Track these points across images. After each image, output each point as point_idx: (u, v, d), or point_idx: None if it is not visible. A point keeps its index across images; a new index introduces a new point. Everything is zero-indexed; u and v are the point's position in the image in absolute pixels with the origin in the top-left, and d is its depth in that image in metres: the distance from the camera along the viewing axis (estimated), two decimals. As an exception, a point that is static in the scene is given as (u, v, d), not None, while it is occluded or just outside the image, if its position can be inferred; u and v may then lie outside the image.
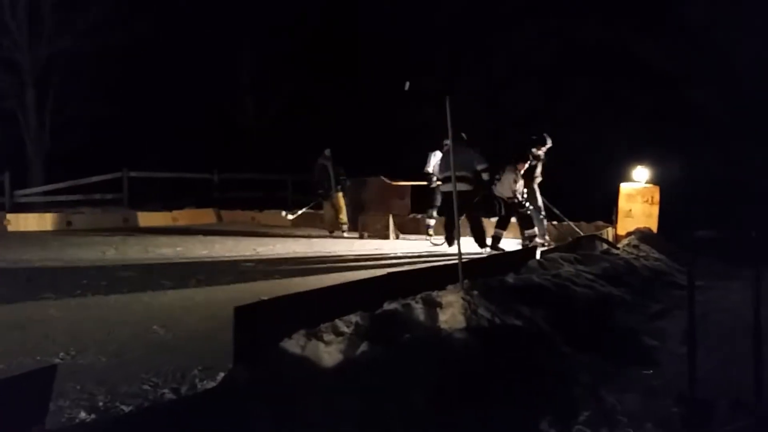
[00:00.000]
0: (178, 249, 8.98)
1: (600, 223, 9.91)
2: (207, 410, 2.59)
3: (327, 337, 3.16)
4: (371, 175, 13.11)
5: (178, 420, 2.51)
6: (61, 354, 3.59)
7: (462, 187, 7.85)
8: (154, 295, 5.56)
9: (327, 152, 11.39)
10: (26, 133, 17.76)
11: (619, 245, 7.42)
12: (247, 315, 3.01)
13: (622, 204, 8.85)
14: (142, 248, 9.05)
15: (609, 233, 8.55)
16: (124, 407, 2.76)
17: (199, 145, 19.05)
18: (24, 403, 2.40)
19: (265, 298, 3.29)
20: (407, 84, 4.22)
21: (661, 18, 14.56)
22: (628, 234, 8.23)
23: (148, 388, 3.01)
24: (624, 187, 8.92)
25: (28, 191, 14.93)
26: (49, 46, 17.27)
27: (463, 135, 8.57)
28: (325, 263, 7.73)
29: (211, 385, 2.93)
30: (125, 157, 16.04)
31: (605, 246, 7.11)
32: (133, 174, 15.49)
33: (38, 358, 3.51)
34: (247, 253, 8.52)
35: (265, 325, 3.09)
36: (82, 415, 2.67)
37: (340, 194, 11.39)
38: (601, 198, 9.06)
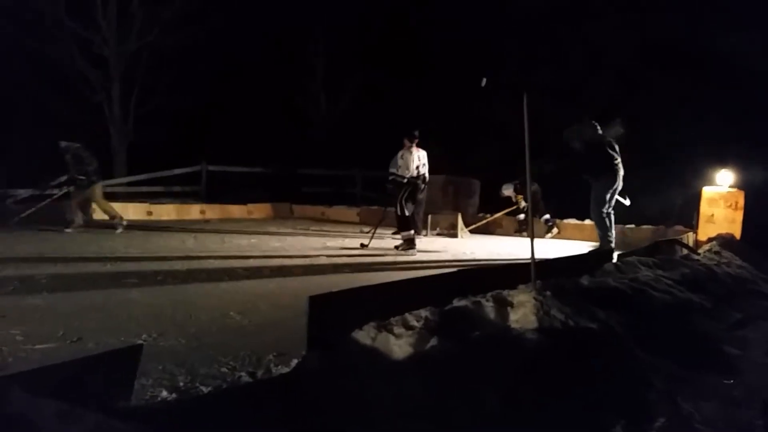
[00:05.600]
0: (253, 240, 9.25)
1: (680, 227, 9.56)
2: (281, 394, 2.66)
3: (397, 330, 3.19)
4: (440, 172, 13.10)
5: (254, 402, 2.59)
6: (144, 335, 3.77)
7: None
8: (231, 283, 5.76)
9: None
10: (112, 125, 18.67)
11: (699, 251, 7.13)
12: (320, 304, 3.07)
13: (704, 208, 8.51)
14: (219, 239, 9.38)
15: (689, 238, 8.23)
16: (203, 388, 2.87)
17: (274, 141, 19.52)
18: (111, 380, 2.54)
19: (336, 289, 3.35)
20: (484, 80, 4.19)
21: (747, 11, 13.82)
22: (710, 240, 7.91)
23: (226, 370, 3.13)
24: (706, 191, 8.57)
25: (112, 181, 15.68)
26: (135, 41, 18.09)
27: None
28: (394, 259, 7.79)
29: (285, 370, 3.01)
30: (203, 150, 16.66)
31: (685, 251, 6.85)
32: (211, 168, 16.06)
33: (122, 338, 3.70)
34: (318, 246, 8.68)
35: (337, 315, 3.14)
36: (164, 394, 2.80)
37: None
38: (682, 201, 8.71)
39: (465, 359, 3.00)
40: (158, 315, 4.35)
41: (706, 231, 8.37)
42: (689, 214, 9.04)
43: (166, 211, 13.51)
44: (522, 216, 11.33)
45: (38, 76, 17.28)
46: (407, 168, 8.56)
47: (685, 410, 2.82)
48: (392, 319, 3.26)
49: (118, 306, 4.64)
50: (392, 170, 8.77)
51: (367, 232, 9.66)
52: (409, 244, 8.38)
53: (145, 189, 15.40)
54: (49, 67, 17.16)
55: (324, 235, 10.24)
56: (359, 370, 2.91)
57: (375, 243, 9.02)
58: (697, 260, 6.30)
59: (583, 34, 16.00)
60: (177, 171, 15.68)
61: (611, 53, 15.77)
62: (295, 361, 3.00)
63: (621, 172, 8.00)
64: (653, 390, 3.03)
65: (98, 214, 12.54)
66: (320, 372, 2.80)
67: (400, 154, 8.72)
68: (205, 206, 14.28)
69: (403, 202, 8.47)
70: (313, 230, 11.33)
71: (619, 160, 8.00)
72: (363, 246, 8.71)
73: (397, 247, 8.48)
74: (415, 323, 3.27)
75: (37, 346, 3.52)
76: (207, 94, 19.52)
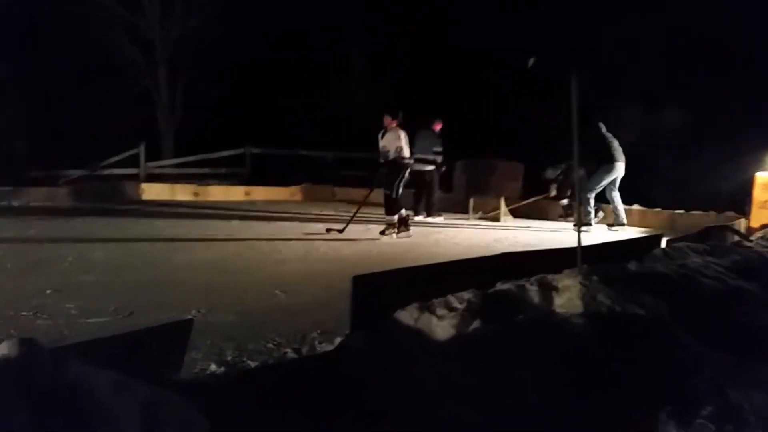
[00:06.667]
0: (297, 222, 9.36)
1: (731, 213, 9.29)
2: (326, 371, 2.71)
3: (440, 311, 3.20)
4: (483, 157, 13.00)
5: (299, 378, 2.65)
6: (193, 311, 3.87)
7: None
8: (276, 263, 5.86)
9: None
10: (159, 109, 19.05)
11: (752, 238, 6.92)
12: (364, 284, 3.10)
13: (758, 194, 8.24)
14: (264, 220, 9.52)
15: (741, 225, 7.99)
16: (250, 363, 2.94)
17: (315, 124, 19.61)
18: (162, 353, 2.62)
19: (380, 270, 3.38)
20: (532, 60, 4.12)
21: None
22: (763, 226, 7.66)
23: (272, 346, 3.20)
24: (760, 176, 8.30)
25: (160, 163, 16.06)
26: (179, 25, 18.34)
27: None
28: (437, 242, 7.78)
29: (329, 348, 3.06)
30: (248, 133, 16.87)
31: (737, 238, 6.65)
32: (255, 150, 16.28)
33: (172, 314, 3.80)
34: (361, 229, 8.72)
35: (380, 295, 3.17)
36: (213, 367, 2.87)
37: None
38: (734, 187, 8.45)
39: (507, 343, 2.98)
40: (206, 293, 4.46)
41: (759, 218, 8.10)
42: (741, 200, 8.77)
43: (212, 192, 13.77)
44: (566, 201, 11.17)
45: (86, 60, 17.64)
46: (407, 149, 8.40)
47: (734, 400, 2.75)
48: (435, 300, 3.27)
49: (168, 284, 4.78)
50: (394, 151, 8.36)
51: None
52: (393, 227, 8.17)
53: (192, 171, 15.71)
54: (96, 52, 17.50)
55: (366, 218, 10.28)
56: (402, 349, 2.93)
57: (418, 227, 9.02)
58: (750, 247, 6.10)
59: (624, 23, 15.49)
60: (223, 153, 15.95)
61: (653, 41, 15.25)
62: (338, 340, 3.04)
63: (620, 163, 9.50)
64: (701, 378, 2.97)
65: (147, 195, 12.88)
66: (363, 350, 2.84)
67: (401, 134, 8.35)
68: (249, 188, 14.51)
69: (400, 184, 8.30)
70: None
71: (617, 152, 9.56)
72: (329, 231, 8.23)
73: (382, 233, 8.15)
74: (457, 305, 3.26)
75: (91, 320, 3.66)
76: (251, 78, 19.70)
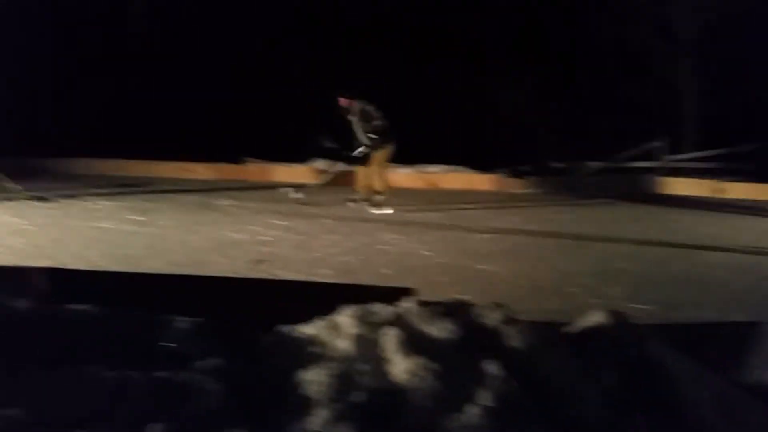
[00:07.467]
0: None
1: None
2: None
3: None
4: None
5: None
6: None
7: None
8: None
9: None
10: (681, 100, 18.38)
11: None
12: None
13: None
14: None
15: None
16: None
17: None
18: (730, 350, 2.65)
19: None
20: None
21: None
22: None
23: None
24: None
25: (678, 157, 15.48)
26: (705, 13, 17.22)
27: None
28: None
29: None
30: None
31: None
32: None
33: (715, 315, 3.71)
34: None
35: None
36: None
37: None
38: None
39: None
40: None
41: None
42: None
43: (737, 190, 12.68)
44: None
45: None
46: None
47: None
48: None
49: (707, 283, 4.73)
50: None
51: None
52: None
53: (715, 165, 14.63)
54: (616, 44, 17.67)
55: None
56: None
57: None
58: None
59: None
60: (744, 147, 14.40)
61: None
62: None
63: None
64: None
65: (666, 189, 12.68)
66: None
67: None
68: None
69: None
70: None
71: None
72: None
73: None
74: None
75: (634, 306, 3.87)
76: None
